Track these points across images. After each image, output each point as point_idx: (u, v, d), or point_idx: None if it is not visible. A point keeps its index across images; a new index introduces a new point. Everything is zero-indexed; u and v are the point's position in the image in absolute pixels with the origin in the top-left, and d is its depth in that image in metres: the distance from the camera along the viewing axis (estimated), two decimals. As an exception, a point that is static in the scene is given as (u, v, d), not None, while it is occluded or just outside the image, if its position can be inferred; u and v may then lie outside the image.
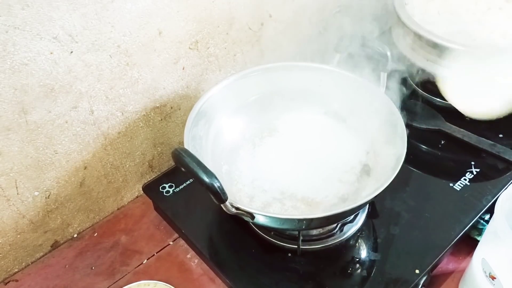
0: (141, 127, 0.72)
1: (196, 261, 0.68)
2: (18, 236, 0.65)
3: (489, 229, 0.58)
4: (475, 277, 0.59)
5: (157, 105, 0.72)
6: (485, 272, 0.56)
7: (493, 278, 0.55)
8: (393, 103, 0.65)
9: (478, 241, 0.60)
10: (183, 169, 0.52)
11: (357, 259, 0.63)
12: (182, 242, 0.70)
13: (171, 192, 0.72)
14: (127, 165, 0.74)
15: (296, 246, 0.63)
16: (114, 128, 0.69)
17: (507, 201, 0.55)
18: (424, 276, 0.61)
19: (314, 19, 0.90)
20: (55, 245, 0.71)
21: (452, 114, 0.83)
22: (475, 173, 0.73)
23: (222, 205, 0.52)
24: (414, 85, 0.89)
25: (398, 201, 0.69)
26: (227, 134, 0.71)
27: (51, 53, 0.56)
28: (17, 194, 0.62)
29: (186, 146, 0.60)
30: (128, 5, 0.60)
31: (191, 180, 0.73)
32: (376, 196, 0.55)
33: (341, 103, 0.73)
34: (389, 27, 0.91)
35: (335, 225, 0.65)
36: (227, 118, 0.71)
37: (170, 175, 0.74)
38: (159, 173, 0.77)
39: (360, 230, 0.66)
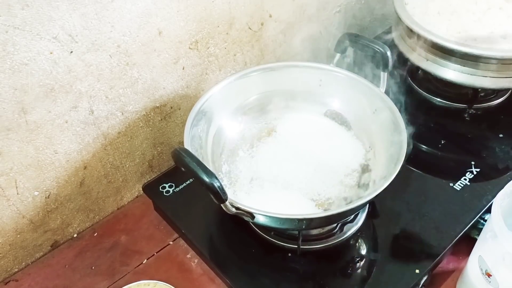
0: (141, 127, 0.72)
1: (196, 261, 0.68)
2: (18, 236, 0.65)
3: (486, 228, 0.58)
4: (472, 274, 0.59)
5: (157, 105, 0.72)
6: (481, 270, 0.56)
7: (489, 275, 0.55)
8: (393, 103, 0.65)
9: (479, 241, 0.60)
10: (183, 169, 0.52)
11: (357, 259, 0.63)
12: (182, 242, 0.70)
13: (171, 192, 0.72)
14: (127, 165, 0.74)
15: (296, 246, 0.63)
16: (114, 128, 0.69)
17: (504, 200, 0.55)
18: (424, 276, 0.61)
19: (314, 19, 0.90)
20: (55, 245, 0.71)
21: (452, 114, 0.83)
22: (475, 173, 0.73)
23: (222, 205, 0.52)
24: (414, 85, 0.89)
25: (398, 201, 0.69)
26: (227, 134, 0.71)
27: (51, 53, 0.56)
28: (17, 194, 0.62)
29: (186, 146, 0.60)
30: (128, 5, 0.60)
31: (191, 180, 0.73)
32: (376, 196, 0.55)
33: (341, 103, 0.73)
34: (389, 27, 0.91)
35: (335, 225, 0.65)
36: (227, 118, 0.71)
37: (170, 175, 0.74)
38: (159, 173, 0.77)
39: (360, 230, 0.66)
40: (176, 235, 0.71)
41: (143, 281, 0.64)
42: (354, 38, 0.71)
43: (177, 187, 0.72)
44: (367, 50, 0.69)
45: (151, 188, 0.73)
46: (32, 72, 0.56)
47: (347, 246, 0.65)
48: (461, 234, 0.65)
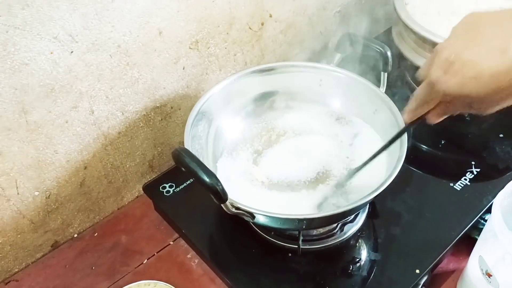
0: (141, 127, 0.72)
1: (196, 261, 0.68)
2: (19, 236, 0.65)
3: (486, 228, 0.58)
4: (472, 274, 0.59)
5: (158, 105, 0.72)
6: (482, 270, 0.56)
7: (489, 275, 0.55)
8: (393, 103, 0.65)
9: (479, 241, 0.60)
10: (183, 169, 0.52)
11: (358, 259, 0.63)
12: (182, 242, 0.70)
13: (171, 192, 0.72)
14: (127, 165, 0.74)
15: (297, 246, 0.63)
16: (114, 128, 0.69)
17: (504, 200, 0.55)
18: (424, 276, 0.61)
19: (314, 19, 0.90)
20: (55, 245, 0.71)
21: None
22: (475, 173, 0.73)
23: (222, 205, 0.52)
24: (415, 85, 0.89)
25: (398, 201, 0.69)
26: (227, 134, 0.71)
27: (51, 53, 0.56)
28: (18, 194, 0.62)
29: (186, 146, 0.60)
30: (128, 5, 0.60)
31: (191, 180, 0.73)
32: (376, 196, 0.55)
33: (341, 103, 0.73)
34: (390, 27, 0.91)
35: (335, 225, 0.65)
36: (227, 118, 0.71)
37: (170, 175, 0.74)
38: (159, 173, 0.77)
39: (360, 230, 0.66)
40: (176, 235, 0.71)
41: (144, 281, 0.64)
42: (354, 38, 0.71)
43: (177, 187, 0.72)
44: (367, 50, 0.69)
45: (151, 188, 0.73)
46: (33, 72, 0.56)
47: (347, 246, 0.65)
48: (461, 234, 0.65)
